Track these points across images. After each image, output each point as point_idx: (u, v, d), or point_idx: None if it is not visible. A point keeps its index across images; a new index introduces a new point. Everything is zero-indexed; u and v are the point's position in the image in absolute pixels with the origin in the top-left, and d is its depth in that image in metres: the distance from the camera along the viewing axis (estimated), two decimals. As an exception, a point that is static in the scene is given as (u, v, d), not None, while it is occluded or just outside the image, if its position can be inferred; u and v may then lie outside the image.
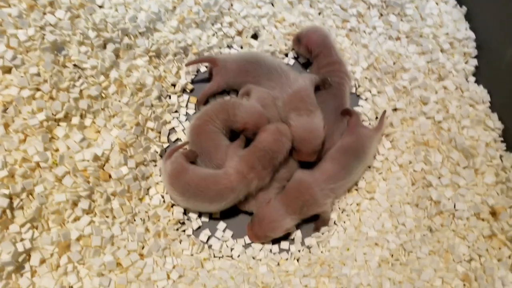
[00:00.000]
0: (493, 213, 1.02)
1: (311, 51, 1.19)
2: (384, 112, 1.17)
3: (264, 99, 1.11)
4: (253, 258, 1.07)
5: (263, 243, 1.09)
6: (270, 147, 1.04)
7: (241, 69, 1.15)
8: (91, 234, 0.94)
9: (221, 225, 1.10)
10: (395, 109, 1.20)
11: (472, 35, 1.24)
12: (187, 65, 1.19)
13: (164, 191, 1.09)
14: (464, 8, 1.27)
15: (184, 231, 1.08)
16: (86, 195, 0.95)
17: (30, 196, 0.92)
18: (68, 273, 0.90)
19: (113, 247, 0.96)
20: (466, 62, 1.23)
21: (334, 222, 1.11)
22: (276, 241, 1.09)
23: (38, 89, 0.98)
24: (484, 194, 1.05)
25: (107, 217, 0.99)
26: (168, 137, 1.16)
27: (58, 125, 1.00)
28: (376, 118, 1.21)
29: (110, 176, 1.02)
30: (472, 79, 1.22)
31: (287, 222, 1.04)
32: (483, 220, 1.03)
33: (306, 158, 1.07)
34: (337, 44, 1.24)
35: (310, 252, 1.08)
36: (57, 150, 0.98)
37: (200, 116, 1.09)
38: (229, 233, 1.10)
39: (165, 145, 1.15)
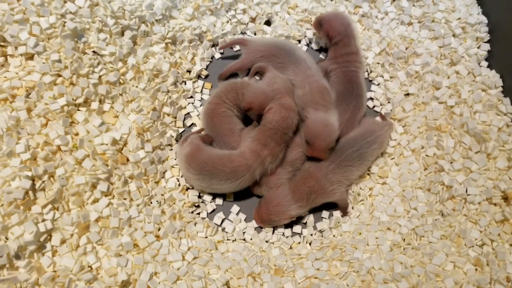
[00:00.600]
0: (505, 198, 1.03)
1: (332, 37, 1.18)
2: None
3: (275, 83, 1.12)
4: (266, 241, 1.09)
5: (272, 228, 1.11)
6: (279, 125, 1.05)
7: (269, 52, 1.17)
8: (109, 216, 0.97)
9: (235, 208, 1.13)
10: (407, 94, 1.21)
11: (484, 19, 1.23)
12: (220, 48, 1.24)
13: (180, 174, 1.11)
14: (477, -8, 1.27)
15: (198, 213, 1.10)
16: (104, 177, 0.98)
17: (52, 178, 0.96)
18: (87, 253, 0.93)
19: (130, 228, 0.99)
20: (478, 47, 1.23)
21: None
22: (288, 225, 1.11)
23: (59, 75, 1.01)
24: (496, 178, 1.05)
25: (124, 199, 1.02)
26: (183, 122, 1.19)
27: (78, 110, 1.03)
28: (389, 102, 1.22)
29: (128, 160, 1.05)
30: (484, 63, 1.21)
31: (292, 209, 1.05)
32: (495, 205, 1.04)
33: (318, 154, 1.06)
34: (358, 32, 1.22)
35: (322, 236, 1.10)
36: (77, 134, 1.01)
37: (212, 100, 1.11)
38: (242, 216, 1.13)
39: (181, 130, 1.18)
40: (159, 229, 1.03)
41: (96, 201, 0.98)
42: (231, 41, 1.23)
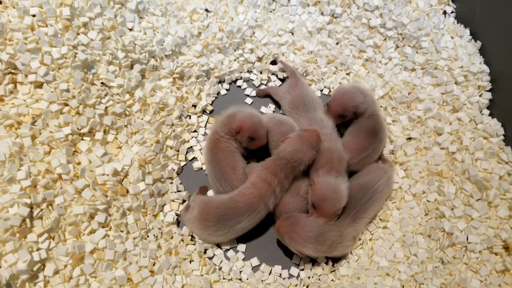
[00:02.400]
0: (506, 248, 1.01)
1: (358, 113, 1.16)
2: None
3: (275, 119, 1.15)
4: (262, 281, 1.07)
5: (270, 268, 1.09)
6: (291, 157, 1.03)
7: (295, 100, 1.19)
8: (105, 248, 0.96)
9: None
10: (409, 138, 1.22)
11: (486, 68, 1.26)
12: (281, 63, 1.29)
13: (179, 208, 1.11)
14: (479, 43, 1.30)
15: (195, 249, 1.09)
16: (103, 208, 0.98)
17: (50, 207, 0.95)
18: (80, 285, 0.91)
19: (125, 262, 0.98)
20: (480, 95, 1.24)
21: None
22: (285, 266, 1.10)
23: (66, 104, 1.03)
24: (497, 227, 1.04)
25: (121, 231, 1.01)
26: (185, 155, 1.20)
27: (82, 139, 1.04)
28: (391, 143, 1.22)
29: (127, 191, 1.04)
30: (486, 111, 1.23)
31: (309, 247, 1.00)
32: (496, 254, 1.02)
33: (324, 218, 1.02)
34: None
35: (319, 279, 1.07)
36: (79, 163, 1.01)
37: (211, 136, 1.12)
38: (240, 255, 1.11)
39: (182, 163, 1.19)
40: (154, 264, 1.01)
41: (92, 232, 0.97)
42: (290, 67, 1.26)
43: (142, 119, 1.13)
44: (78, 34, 1.08)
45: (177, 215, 1.11)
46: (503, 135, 1.17)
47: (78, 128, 1.02)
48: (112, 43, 1.12)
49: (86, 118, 1.03)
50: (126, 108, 1.11)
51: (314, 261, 1.11)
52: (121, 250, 0.97)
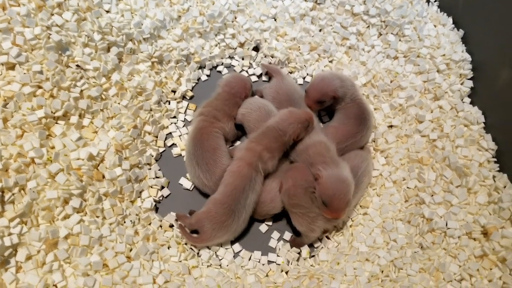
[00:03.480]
0: (485, 233, 1.02)
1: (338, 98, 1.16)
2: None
3: (252, 105, 1.15)
4: (242, 267, 1.06)
5: (249, 254, 1.08)
6: (277, 125, 1.04)
7: (281, 97, 1.18)
8: (79, 233, 0.94)
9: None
10: (390, 126, 1.22)
11: (468, 57, 1.26)
12: (263, 66, 1.28)
13: (157, 195, 1.10)
14: (461, 31, 1.30)
15: (174, 235, 1.07)
16: (78, 193, 0.96)
17: (22, 191, 0.92)
18: (53, 271, 0.89)
19: (100, 247, 0.95)
20: (461, 83, 1.24)
21: (327, 237, 1.11)
22: (264, 252, 1.09)
23: (39, 87, 1.00)
24: (476, 213, 1.04)
25: (97, 217, 0.98)
26: (164, 141, 1.18)
27: (57, 123, 1.01)
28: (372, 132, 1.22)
29: (103, 176, 1.02)
30: (467, 100, 1.23)
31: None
32: (474, 239, 1.02)
33: (335, 215, 0.98)
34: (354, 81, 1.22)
35: (298, 265, 1.07)
36: (53, 147, 0.98)
37: (203, 119, 1.10)
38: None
39: (161, 150, 1.17)
40: (130, 250, 0.99)
41: (67, 217, 0.95)
42: (272, 67, 1.25)
43: (119, 103, 1.11)
44: (52, 14, 1.05)
45: (155, 201, 1.10)
46: (484, 122, 1.17)
47: (52, 112, 0.99)
48: (88, 25, 1.09)
49: (60, 101, 1.00)
50: (103, 92, 1.09)
51: (294, 247, 1.10)
52: (97, 235, 0.95)
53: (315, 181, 1.01)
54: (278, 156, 1.06)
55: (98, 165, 1.02)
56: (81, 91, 1.06)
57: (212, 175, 1.07)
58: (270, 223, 1.13)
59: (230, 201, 1.00)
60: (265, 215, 1.10)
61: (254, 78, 1.30)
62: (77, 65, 1.07)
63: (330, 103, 1.16)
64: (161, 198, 1.12)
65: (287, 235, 1.12)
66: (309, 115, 1.07)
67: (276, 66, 1.27)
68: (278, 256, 1.09)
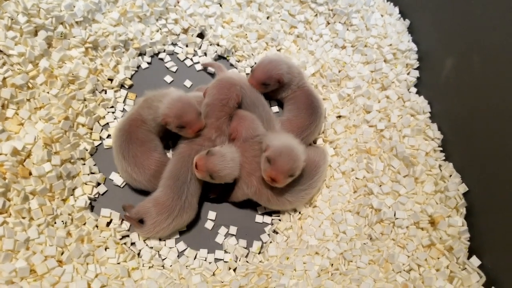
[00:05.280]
0: (432, 222, 1.02)
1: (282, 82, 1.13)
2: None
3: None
4: (187, 267, 1.00)
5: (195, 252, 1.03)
6: (216, 98, 1.01)
7: None
8: (2, 236, 0.85)
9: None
10: (339, 116, 1.20)
11: (414, 47, 1.26)
12: (202, 65, 1.22)
13: (92, 192, 1.02)
14: (408, 21, 1.30)
15: (111, 235, 0.99)
16: (0, 192, 0.86)
17: None
18: (-28, 279, 0.79)
19: (27, 251, 0.87)
20: (408, 73, 1.25)
21: (275, 231, 1.07)
22: (211, 250, 1.04)
23: (-48, 73, 0.89)
24: (424, 202, 1.05)
25: (23, 218, 0.89)
26: (100, 134, 1.09)
27: (-26, 114, 0.91)
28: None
29: (30, 173, 0.93)
30: (413, 89, 1.24)
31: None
32: (422, 229, 1.03)
33: (277, 176, 0.94)
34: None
35: (247, 261, 1.03)
36: (-30, 141, 0.88)
37: (130, 117, 1.02)
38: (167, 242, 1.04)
39: (96, 143, 1.08)
40: (62, 253, 0.91)
41: (-13, 219, 0.85)
42: (213, 63, 1.20)
43: (48, 92, 1.01)
44: (-34, -8, 0.93)
45: (90, 199, 1.01)
46: (430, 112, 1.18)
47: (-32, 101, 0.89)
48: (12, 5, 0.99)
49: (-22, 90, 0.90)
50: (29, 79, 0.99)
51: (241, 244, 1.06)
52: (23, 238, 0.86)
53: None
54: (225, 128, 1.04)
55: (24, 160, 0.93)
56: (4, 78, 0.96)
57: (141, 169, 1.01)
58: (213, 218, 1.08)
59: (175, 183, 0.97)
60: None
61: (199, 67, 1.24)
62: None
63: (274, 87, 1.12)
64: (96, 196, 1.04)
65: (233, 229, 1.07)
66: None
67: (217, 63, 1.22)
68: (226, 252, 1.04)
